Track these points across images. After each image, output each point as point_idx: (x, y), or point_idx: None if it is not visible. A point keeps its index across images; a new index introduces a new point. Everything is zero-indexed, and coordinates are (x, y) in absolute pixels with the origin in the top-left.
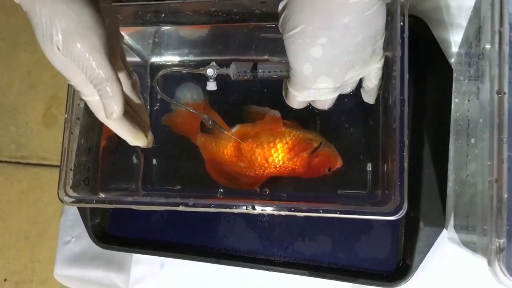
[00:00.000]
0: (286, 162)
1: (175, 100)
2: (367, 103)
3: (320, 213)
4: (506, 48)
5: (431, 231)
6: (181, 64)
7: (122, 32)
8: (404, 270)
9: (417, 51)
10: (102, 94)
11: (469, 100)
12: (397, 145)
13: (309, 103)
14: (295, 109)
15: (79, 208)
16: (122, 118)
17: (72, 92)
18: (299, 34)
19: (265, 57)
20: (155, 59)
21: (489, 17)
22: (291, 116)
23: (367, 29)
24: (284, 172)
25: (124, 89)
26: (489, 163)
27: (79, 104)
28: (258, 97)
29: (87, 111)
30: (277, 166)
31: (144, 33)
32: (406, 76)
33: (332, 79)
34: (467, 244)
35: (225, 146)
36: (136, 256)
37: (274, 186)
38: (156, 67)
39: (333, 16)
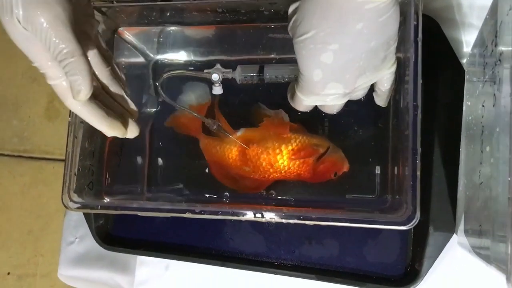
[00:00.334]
0: (292, 168)
1: (180, 100)
2: (376, 105)
3: (330, 221)
4: None
5: (440, 236)
6: (187, 63)
7: (126, 32)
8: (412, 274)
9: (427, 50)
10: (67, 72)
11: (483, 106)
12: (410, 152)
13: (316, 106)
14: (300, 112)
15: None
16: (92, 104)
17: None
18: (310, 40)
19: (272, 55)
20: (160, 59)
21: (508, 22)
22: (300, 118)
23: (380, 35)
24: (290, 177)
25: (101, 76)
26: (509, 179)
27: None
28: (264, 98)
29: None
30: (282, 171)
31: (149, 33)
32: (420, 81)
33: (342, 85)
34: (478, 252)
35: (230, 150)
36: (141, 258)
37: (280, 188)
38: (160, 67)
39: (346, 22)
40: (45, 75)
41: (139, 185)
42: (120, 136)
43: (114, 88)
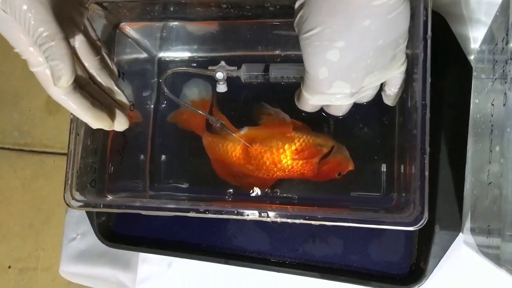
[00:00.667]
0: (295, 167)
1: (183, 95)
2: (383, 102)
3: (337, 222)
4: None
5: (446, 234)
6: (191, 59)
7: (128, 27)
8: (418, 273)
9: (435, 46)
10: (48, 56)
11: (493, 104)
12: (418, 152)
13: (323, 109)
14: (304, 113)
15: None
16: (77, 93)
17: None
18: (316, 36)
19: (277, 52)
20: (163, 55)
21: None
22: (304, 116)
23: (389, 33)
24: (293, 176)
25: (89, 66)
26: None
27: None
28: (269, 96)
29: None
30: (286, 170)
31: (151, 28)
32: (429, 79)
33: (348, 84)
34: (486, 251)
35: (233, 149)
36: (143, 255)
37: (284, 186)
38: (164, 63)
39: (353, 18)
40: (27, 62)
41: (142, 183)
42: (106, 128)
43: (102, 78)
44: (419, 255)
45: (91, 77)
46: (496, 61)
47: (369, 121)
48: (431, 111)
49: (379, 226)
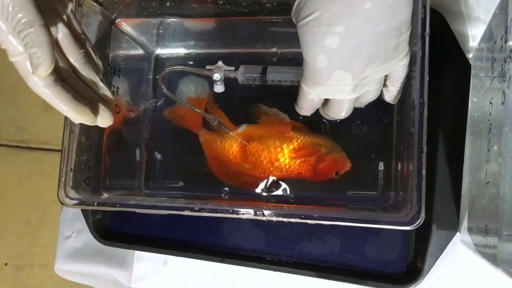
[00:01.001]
0: (292, 167)
1: (179, 92)
2: (381, 101)
3: (333, 221)
4: None
5: (443, 234)
6: (187, 56)
7: (124, 23)
8: (414, 272)
9: (433, 44)
10: (26, 43)
11: (491, 103)
12: (415, 151)
13: (323, 116)
14: (301, 117)
15: None
16: (58, 86)
17: None
18: (314, 22)
19: (274, 50)
20: (159, 52)
21: None
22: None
23: (391, 18)
24: (290, 176)
25: (72, 58)
26: None
27: None
28: (267, 96)
29: None
30: (283, 170)
31: (148, 24)
32: (427, 77)
33: (349, 74)
34: (483, 251)
35: (230, 147)
36: (139, 253)
37: (281, 185)
38: (161, 60)
39: (353, 1)
40: (7, 52)
41: (137, 180)
42: (89, 123)
43: (86, 72)
44: (416, 254)
45: (74, 70)
46: (495, 59)
47: (367, 120)
48: (429, 110)
49: (375, 225)
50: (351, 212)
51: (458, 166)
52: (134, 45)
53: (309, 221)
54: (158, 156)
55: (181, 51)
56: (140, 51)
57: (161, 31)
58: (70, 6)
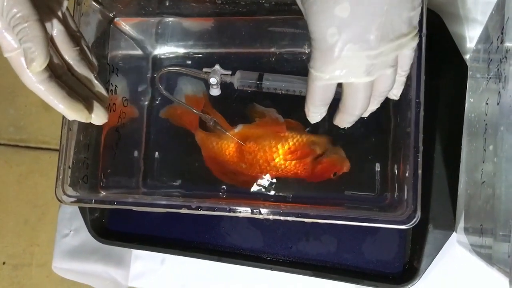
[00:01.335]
0: (289, 167)
1: (178, 90)
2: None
3: (329, 219)
4: None
5: (440, 234)
6: (185, 56)
7: (123, 23)
8: (411, 272)
9: (431, 45)
10: (21, 38)
11: (487, 103)
12: (411, 151)
13: (338, 124)
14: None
15: None
16: (52, 82)
17: None
18: None
19: (272, 50)
20: (157, 51)
21: None
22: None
23: None
24: (287, 175)
25: (67, 56)
26: None
27: None
28: (263, 94)
29: None
30: (279, 170)
31: (146, 24)
32: (423, 77)
33: (363, 48)
34: (479, 251)
35: (227, 146)
36: (136, 252)
37: (279, 184)
38: (159, 59)
39: None
40: (1, 47)
41: (135, 179)
42: (83, 120)
43: (81, 70)
44: (413, 254)
45: (69, 68)
46: (491, 60)
47: (364, 121)
48: (426, 111)
49: (372, 224)
50: (348, 211)
51: (454, 166)
52: (133, 44)
53: (305, 220)
54: (156, 154)
55: (179, 50)
56: (138, 50)
57: (159, 31)
58: (65, 4)
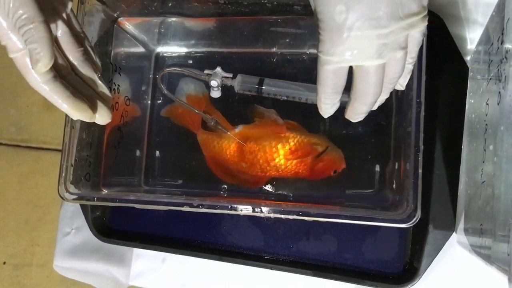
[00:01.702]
0: (289, 166)
1: (180, 90)
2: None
3: (330, 218)
4: None
5: (440, 234)
6: (188, 55)
7: (127, 22)
8: (411, 272)
9: (431, 47)
10: (26, 39)
11: (487, 104)
12: (412, 150)
13: (350, 117)
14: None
15: None
16: (57, 82)
17: None
18: None
19: (274, 50)
20: (160, 50)
21: None
22: (301, 115)
23: None
24: (287, 175)
25: (71, 56)
26: None
27: None
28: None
29: None
30: (280, 170)
31: (149, 23)
32: (424, 77)
33: (373, 26)
34: (479, 251)
35: (227, 146)
36: (137, 250)
37: (280, 183)
38: (161, 58)
39: None
40: (7, 48)
41: (137, 177)
42: (87, 120)
43: (85, 70)
44: (413, 254)
45: (73, 68)
46: (492, 61)
47: (365, 120)
48: (427, 111)
49: (372, 223)
50: (348, 210)
51: (455, 167)
52: (136, 44)
53: (306, 218)
54: (158, 153)
55: (181, 50)
56: (141, 50)
57: (162, 30)
58: (70, 5)
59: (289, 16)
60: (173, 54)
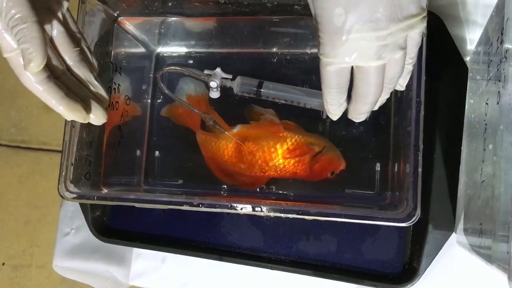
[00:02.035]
0: (287, 166)
1: (180, 89)
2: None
3: (330, 217)
4: None
5: (439, 234)
6: (188, 55)
7: (127, 22)
8: (410, 272)
9: (431, 47)
10: (19, 39)
11: (487, 103)
12: (412, 149)
13: (353, 117)
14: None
15: None
16: (51, 82)
17: None
18: None
19: (274, 50)
20: (160, 50)
21: None
22: (301, 115)
23: None
24: (285, 175)
25: (67, 57)
26: None
27: None
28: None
29: None
30: (278, 170)
31: (150, 23)
32: (423, 77)
33: (372, 29)
34: (478, 250)
35: (226, 147)
36: (137, 250)
37: (280, 183)
38: (161, 58)
39: None
40: (1, 48)
41: (137, 177)
42: (81, 120)
43: (81, 70)
44: (412, 254)
45: (69, 68)
46: (491, 61)
47: (364, 120)
48: (426, 112)
49: (372, 222)
50: (348, 209)
51: (454, 167)
52: (136, 43)
53: (306, 217)
54: (158, 153)
55: (182, 50)
56: (141, 49)
57: (162, 30)
58: (66, 5)
59: (289, 16)
60: (174, 54)
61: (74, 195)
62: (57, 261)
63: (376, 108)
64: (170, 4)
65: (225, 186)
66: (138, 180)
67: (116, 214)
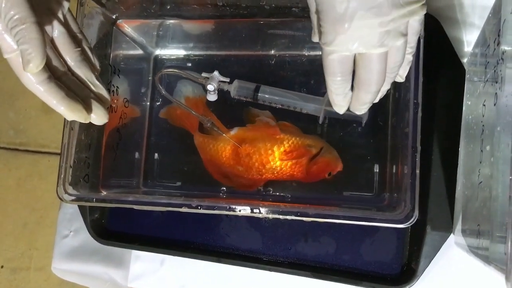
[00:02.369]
0: (284, 169)
1: (178, 91)
2: (375, 103)
3: (328, 218)
4: None
5: (438, 235)
6: (186, 58)
7: (126, 25)
8: (409, 274)
9: (428, 49)
10: (18, 40)
11: (484, 105)
12: (409, 150)
13: (355, 109)
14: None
15: None
16: (51, 83)
17: None
18: None
19: (272, 52)
20: (159, 53)
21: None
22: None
23: None
24: (283, 177)
25: (68, 57)
26: (510, 177)
27: None
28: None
29: None
30: (275, 172)
31: (148, 26)
32: (421, 78)
33: (374, 15)
34: (476, 252)
35: (223, 149)
36: (136, 252)
37: (278, 185)
38: (160, 61)
39: None
40: (1, 49)
41: (135, 179)
42: (81, 120)
43: (82, 71)
44: (411, 255)
45: (70, 69)
46: (488, 62)
47: (362, 122)
48: (424, 113)
49: (370, 223)
50: (346, 210)
51: (452, 168)
52: (134, 46)
53: (304, 218)
54: (157, 155)
55: (180, 52)
56: (140, 52)
57: (161, 33)
58: (67, 5)
59: (287, 19)
60: (172, 57)
61: (73, 198)
62: (56, 264)
63: (377, 100)
64: (168, 7)
65: (224, 188)
66: (136, 182)
67: (115, 216)
